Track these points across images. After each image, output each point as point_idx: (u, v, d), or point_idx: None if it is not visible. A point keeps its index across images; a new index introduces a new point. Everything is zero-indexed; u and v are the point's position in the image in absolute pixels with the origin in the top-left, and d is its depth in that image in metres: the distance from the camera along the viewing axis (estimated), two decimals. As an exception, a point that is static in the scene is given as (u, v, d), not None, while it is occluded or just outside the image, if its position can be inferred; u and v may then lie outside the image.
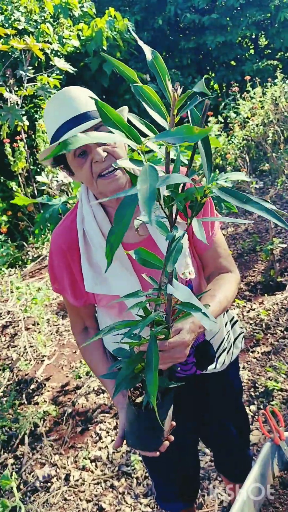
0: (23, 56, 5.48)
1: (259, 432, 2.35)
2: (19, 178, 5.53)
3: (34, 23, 6.48)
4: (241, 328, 1.60)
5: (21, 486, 2.36)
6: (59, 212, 3.16)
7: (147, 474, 2.29)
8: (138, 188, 0.58)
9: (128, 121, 0.81)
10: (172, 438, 1.14)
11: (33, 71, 5.66)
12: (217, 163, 6.03)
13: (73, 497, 2.26)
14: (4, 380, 3.16)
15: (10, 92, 5.18)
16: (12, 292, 4.33)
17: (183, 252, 1.24)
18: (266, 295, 3.59)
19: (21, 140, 5.44)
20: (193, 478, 1.68)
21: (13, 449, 2.60)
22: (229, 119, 6.52)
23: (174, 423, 1.16)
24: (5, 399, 2.96)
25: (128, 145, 1.29)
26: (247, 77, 6.98)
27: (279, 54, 8.87)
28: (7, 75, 5.39)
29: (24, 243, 5.53)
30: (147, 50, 0.78)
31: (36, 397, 2.98)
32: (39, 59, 6.10)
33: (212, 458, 2.28)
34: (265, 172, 6.11)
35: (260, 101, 6.36)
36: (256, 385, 2.66)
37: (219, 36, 8.18)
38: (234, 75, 8.28)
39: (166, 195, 0.79)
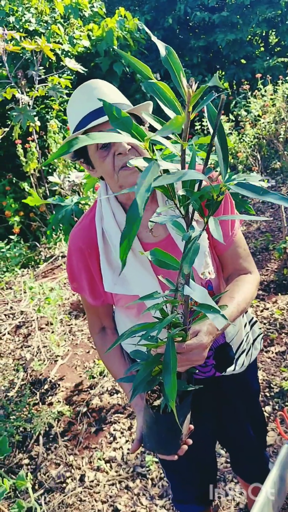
0: (34, 57, 5.50)
1: (275, 433, 2.33)
2: (31, 178, 5.55)
3: (45, 24, 6.50)
4: (260, 328, 1.59)
5: (36, 487, 2.37)
6: (71, 213, 3.16)
7: (162, 475, 2.28)
8: (137, 182, 0.58)
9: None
10: (190, 441, 1.13)
11: (44, 71, 5.68)
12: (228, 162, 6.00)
13: (88, 498, 2.26)
14: (18, 380, 3.17)
15: (22, 93, 5.20)
16: (25, 292, 4.35)
17: (202, 251, 1.23)
18: (279, 294, 3.56)
19: (33, 141, 5.46)
20: (211, 480, 1.67)
21: (28, 449, 2.60)
22: (240, 117, 6.48)
23: (192, 426, 1.15)
24: (19, 399, 2.97)
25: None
26: (258, 75, 6.93)
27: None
28: (18, 76, 5.41)
29: (37, 243, 5.55)
30: (161, 46, 0.77)
31: (50, 397, 2.99)
32: (50, 60, 6.12)
33: (228, 460, 2.27)
34: (276, 170, 6.07)
35: (271, 98, 6.31)
36: (271, 385, 2.64)
37: (229, 34, 8.14)
38: (244, 73, 8.24)
39: (181, 194, 0.77)
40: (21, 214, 5.73)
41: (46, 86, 5.56)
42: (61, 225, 3.24)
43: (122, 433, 2.60)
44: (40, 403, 2.95)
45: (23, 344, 3.64)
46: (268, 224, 4.82)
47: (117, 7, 7.96)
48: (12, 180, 5.84)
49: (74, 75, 6.62)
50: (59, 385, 3.09)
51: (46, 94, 5.69)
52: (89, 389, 3.01)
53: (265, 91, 6.44)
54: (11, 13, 6.38)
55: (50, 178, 4.65)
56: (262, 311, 3.39)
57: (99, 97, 1.16)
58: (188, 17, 8.92)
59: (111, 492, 2.27)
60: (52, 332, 3.67)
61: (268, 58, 8.27)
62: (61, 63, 6.40)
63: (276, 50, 8.98)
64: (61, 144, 5.57)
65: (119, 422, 2.68)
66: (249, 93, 6.56)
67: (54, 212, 5.00)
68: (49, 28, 6.39)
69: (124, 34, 7.28)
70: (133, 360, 1.41)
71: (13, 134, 4.93)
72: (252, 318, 1.54)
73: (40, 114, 6.08)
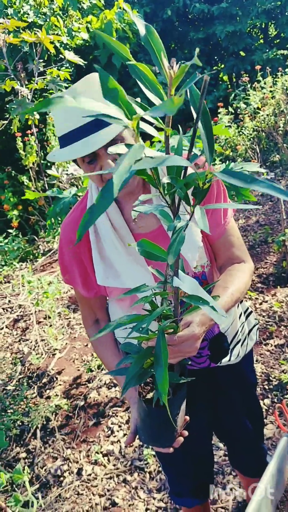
0: (34, 50, 5.45)
1: (274, 425, 2.32)
2: (30, 172, 5.52)
3: (43, 16, 6.45)
4: (256, 319, 1.57)
5: (34, 480, 2.36)
6: (69, 205, 3.14)
7: (160, 469, 2.27)
8: (117, 162, 0.55)
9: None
10: (186, 433, 1.11)
11: (44, 64, 5.64)
12: (227, 155, 5.97)
13: (86, 492, 2.25)
14: (16, 374, 3.16)
15: (21, 85, 5.16)
16: (23, 286, 4.34)
17: (196, 245, 1.21)
18: (278, 287, 3.54)
19: (32, 134, 5.43)
20: (207, 472, 1.65)
21: (25, 443, 2.60)
22: (239, 110, 6.44)
23: (187, 417, 1.13)
24: (17, 393, 2.96)
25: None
26: (258, 67, 6.87)
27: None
28: (18, 69, 5.37)
29: (35, 237, 5.53)
30: (140, 25, 0.72)
31: (48, 391, 2.98)
32: (49, 53, 6.07)
33: (226, 453, 2.26)
34: (275, 163, 6.03)
35: (270, 91, 6.26)
36: (270, 378, 2.63)
37: (228, 26, 8.08)
38: (244, 65, 8.18)
39: (166, 181, 0.74)
40: (19, 208, 5.71)
41: (45, 79, 5.52)
42: (59, 218, 3.22)
43: (120, 426, 2.59)
44: (38, 397, 2.94)
45: (21, 338, 3.63)
46: (267, 217, 4.79)
47: (115, -1, 7.90)
48: (11, 173, 5.81)
49: (73, 68, 6.58)
50: (57, 378, 3.08)
51: (46, 87, 5.65)
52: (87, 383, 3.00)
53: (265, 83, 6.39)
54: (9, 5, 6.32)
55: (49, 172, 4.63)
56: (261, 304, 3.37)
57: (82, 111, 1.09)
58: (187, 9, 8.85)
59: (109, 485, 2.26)
60: (50, 325, 3.66)
61: (267, 50, 8.20)
62: (60, 55, 6.36)
63: (275, 42, 8.91)
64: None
65: (117, 416, 2.67)
66: (249, 86, 6.51)
67: (52, 205, 4.97)
68: (48, 20, 6.33)
69: (123, 26, 7.22)
70: (127, 352, 1.39)
71: (11, 127, 4.90)
72: (248, 308, 1.52)
73: (38, 107, 6.04)
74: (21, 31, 5.54)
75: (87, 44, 7.17)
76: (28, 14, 6.27)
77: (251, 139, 6.07)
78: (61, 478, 2.36)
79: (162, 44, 0.70)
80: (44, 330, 3.64)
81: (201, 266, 1.30)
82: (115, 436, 2.54)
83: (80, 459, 2.44)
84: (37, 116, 5.08)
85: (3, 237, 5.41)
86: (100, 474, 2.33)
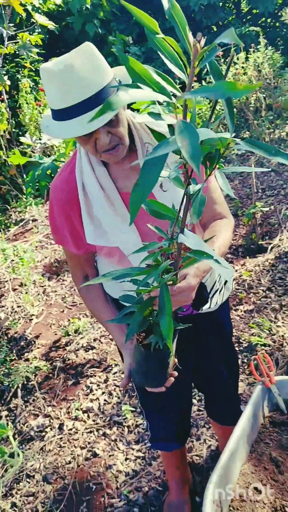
0: (3, 12, 5.31)
1: (244, 383, 2.49)
2: (1, 140, 5.45)
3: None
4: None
5: (17, 436, 2.47)
6: (47, 172, 3.19)
7: (138, 423, 2.42)
8: (180, 146, 0.57)
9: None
10: (175, 373, 1.23)
11: (14, 29, 5.51)
12: (199, 129, 6.04)
13: (68, 445, 2.38)
14: (-6, 338, 3.23)
15: (-9, 50, 5.06)
16: (-3, 254, 4.35)
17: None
18: (247, 257, 3.71)
19: (2, 101, 5.34)
20: (186, 417, 1.80)
21: (7, 402, 2.69)
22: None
23: (176, 360, 1.26)
24: (-4, 355, 3.04)
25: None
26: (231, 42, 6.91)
27: (261, 20, 8.80)
28: (-13, 33, 5.24)
29: (7, 206, 5.51)
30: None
31: (26, 354, 3.07)
32: (20, 16, 5.93)
33: (200, 408, 2.42)
34: (245, 139, 6.15)
35: (242, 67, 6.34)
36: (240, 340, 2.80)
37: (202, -1, 8.07)
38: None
39: None
40: (-10, 176, 5.65)
41: (16, 43, 5.41)
42: (37, 183, 3.26)
43: (98, 385, 2.72)
44: (17, 359, 3.02)
45: (-3, 304, 3.68)
46: (237, 191, 4.94)
47: None
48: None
49: (45, 33, 6.45)
50: (35, 342, 3.17)
51: (16, 52, 5.53)
52: (65, 346, 3.10)
53: (238, 59, 6.46)
54: None
55: (22, 139, 4.59)
56: (231, 273, 3.53)
57: (84, 88, 1.10)
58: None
59: (90, 439, 2.39)
60: (26, 293, 3.72)
61: (240, 25, 8.25)
62: (32, 19, 6.21)
63: (248, 18, 8.95)
64: (33, 104, 5.38)
65: (95, 376, 2.79)
66: (222, 60, 6.57)
67: (24, 176, 4.96)
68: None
69: (97, -7, 7.11)
70: (116, 303, 1.49)
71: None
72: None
73: (10, 72, 5.93)
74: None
75: (59, 9, 7.03)
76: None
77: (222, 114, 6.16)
78: (43, 433, 2.47)
79: (185, 18, 0.76)
80: (20, 297, 3.70)
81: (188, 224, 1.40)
82: (94, 394, 2.66)
83: (61, 416, 2.56)
84: (8, 82, 4.98)
85: (-26, 205, 5.37)
86: (81, 429, 2.46)
